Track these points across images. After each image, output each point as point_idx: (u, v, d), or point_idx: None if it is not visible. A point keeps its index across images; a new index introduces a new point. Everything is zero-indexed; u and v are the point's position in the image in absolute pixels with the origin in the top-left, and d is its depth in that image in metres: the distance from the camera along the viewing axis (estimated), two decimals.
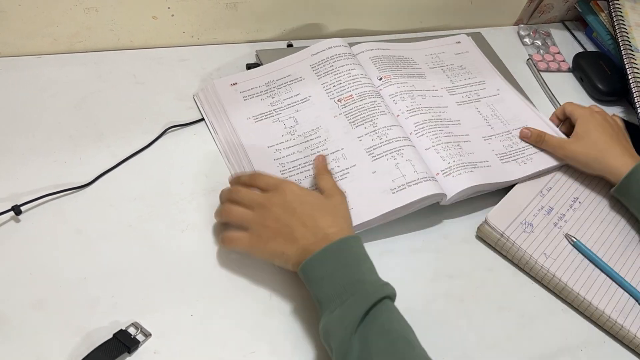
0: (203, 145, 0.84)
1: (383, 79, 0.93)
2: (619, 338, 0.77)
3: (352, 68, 0.91)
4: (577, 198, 0.88)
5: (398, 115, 0.89)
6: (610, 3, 1.13)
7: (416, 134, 0.87)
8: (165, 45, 0.95)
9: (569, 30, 1.24)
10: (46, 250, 0.70)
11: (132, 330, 0.65)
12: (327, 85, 0.89)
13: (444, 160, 0.84)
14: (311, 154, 0.82)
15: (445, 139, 0.88)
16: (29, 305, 0.65)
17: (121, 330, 0.64)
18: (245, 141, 0.82)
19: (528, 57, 1.14)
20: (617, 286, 0.79)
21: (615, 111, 1.08)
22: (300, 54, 0.93)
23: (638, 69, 1.03)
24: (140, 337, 0.64)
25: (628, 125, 1.04)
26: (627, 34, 1.08)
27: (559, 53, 1.17)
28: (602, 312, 0.77)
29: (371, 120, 0.85)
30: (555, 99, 1.07)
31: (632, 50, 1.06)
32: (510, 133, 0.94)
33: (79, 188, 0.75)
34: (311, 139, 0.84)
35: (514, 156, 0.90)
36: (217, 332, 0.67)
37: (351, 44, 0.96)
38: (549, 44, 1.18)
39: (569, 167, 0.91)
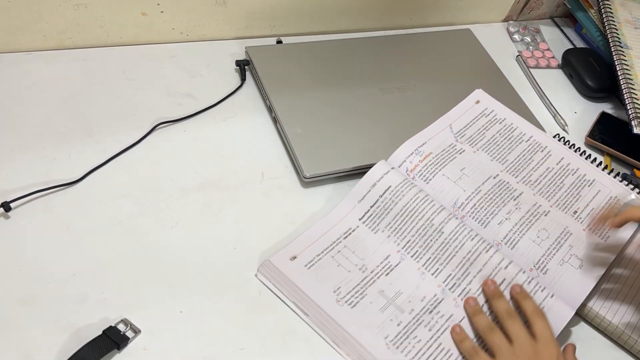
0: (192, 141, 0.84)
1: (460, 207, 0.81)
2: (608, 334, 0.78)
3: (420, 203, 0.78)
4: None
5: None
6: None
7: (511, 239, 0.81)
8: (155, 42, 0.95)
9: (559, 26, 1.25)
10: (35, 246, 0.69)
11: (121, 327, 0.64)
12: (400, 240, 0.77)
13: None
14: (440, 331, 0.71)
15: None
16: (17, 301, 0.65)
17: (110, 326, 0.64)
18: (350, 329, 0.69)
19: (517, 54, 1.15)
20: (605, 284, 0.79)
21: (605, 108, 1.08)
22: (347, 200, 0.79)
23: (627, 65, 1.04)
24: (129, 334, 0.64)
25: (617, 121, 1.05)
26: (617, 30, 1.09)
27: (548, 50, 1.18)
28: (590, 308, 0.77)
29: (474, 269, 0.75)
30: (545, 95, 1.07)
31: (622, 47, 1.06)
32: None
33: (68, 184, 0.75)
34: (427, 307, 0.73)
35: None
36: (206, 329, 0.67)
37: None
38: (538, 40, 1.19)
39: None
